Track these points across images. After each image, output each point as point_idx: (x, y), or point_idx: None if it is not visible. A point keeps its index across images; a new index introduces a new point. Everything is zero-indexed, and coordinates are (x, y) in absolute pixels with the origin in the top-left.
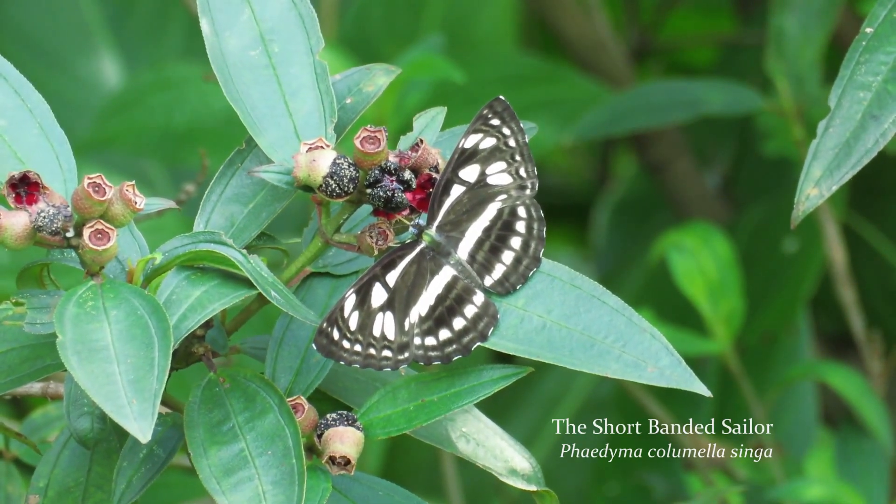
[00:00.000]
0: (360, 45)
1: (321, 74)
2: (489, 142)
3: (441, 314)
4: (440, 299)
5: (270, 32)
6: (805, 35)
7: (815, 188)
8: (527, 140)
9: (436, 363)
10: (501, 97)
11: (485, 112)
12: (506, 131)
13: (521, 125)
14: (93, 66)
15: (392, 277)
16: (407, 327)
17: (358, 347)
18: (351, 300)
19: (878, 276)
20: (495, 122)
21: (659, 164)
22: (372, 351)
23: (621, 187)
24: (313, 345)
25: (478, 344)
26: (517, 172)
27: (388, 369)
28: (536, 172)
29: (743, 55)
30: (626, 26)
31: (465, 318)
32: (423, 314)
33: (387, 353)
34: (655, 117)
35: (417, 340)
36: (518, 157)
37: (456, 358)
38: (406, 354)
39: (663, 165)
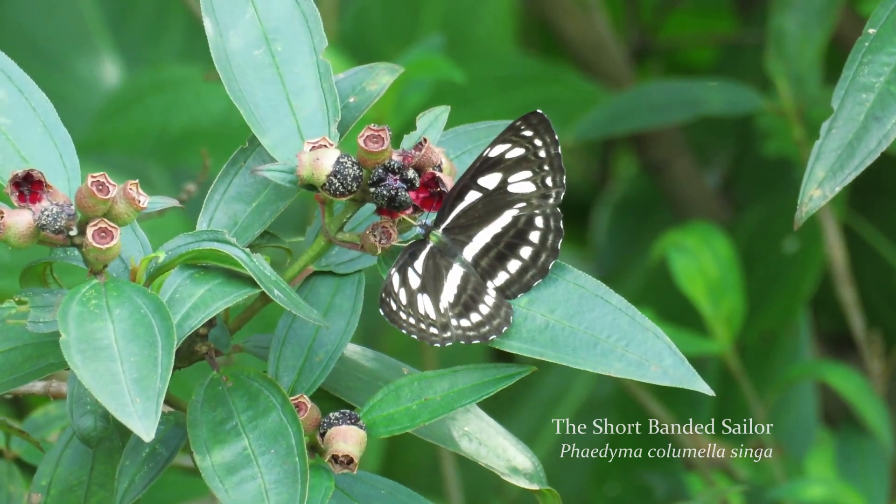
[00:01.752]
0: (358, 45)
1: (324, 73)
2: (517, 151)
3: (466, 301)
4: (461, 289)
5: (274, 32)
6: (805, 35)
7: (819, 189)
8: (560, 152)
9: (475, 342)
10: (539, 111)
11: (518, 123)
12: (538, 142)
13: (556, 138)
14: (92, 66)
15: (419, 266)
16: (442, 311)
17: (412, 320)
18: (396, 278)
19: (878, 276)
20: (527, 133)
21: (659, 164)
22: (423, 325)
23: (621, 187)
24: (380, 311)
25: (506, 328)
26: (543, 181)
27: (437, 345)
28: (565, 182)
29: (743, 55)
30: (626, 26)
31: (487, 305)
32: (451, 301)
33: (434, 329)
34: (655, 117)
35: (454, 322)
36: (546, 167)
37: (492, 338)
38: (448, 333)
39: (663, 165)
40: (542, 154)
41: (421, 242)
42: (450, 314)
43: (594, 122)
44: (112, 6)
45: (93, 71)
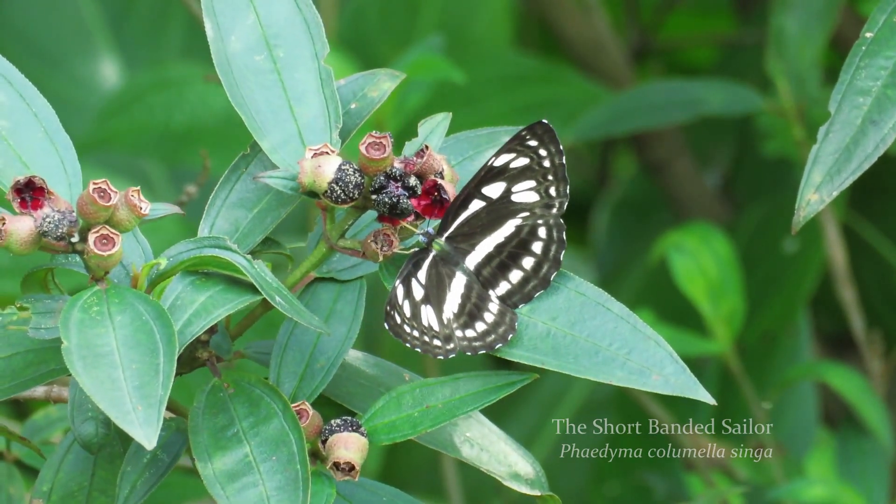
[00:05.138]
0: (356, 45)
1: (326, 80)
2: (521, 161)
3: (471, 310)
4: (465, 298)
5: (275, 37)
6: (805, 35)
7: (816, 193)
8: (564, 162)
9: (481, 352)
10: (545, 121)
11: (523, 133)
12: (542, 152)
13: (561, 148)
14: (92, 66)
15: (422, 276)
16: (445, 322)
17: (416, 333)
18: (400, 290)
19: (878, 276)
20: (532, 143)
21: (659, 164)
22: (426, 338)
23: (621, 187)
24: (385, 324)
25: (511, 335)
26: (546, 191)
27: (441, 357)
28: (568, 192)
29: (743, 55)
30: (626, 26)
31: (492, 312)
32: (455, 311)
33: (437, 342)
34: (655, 117)
35: (459, 333)
36: (550, 177)
37: (498, 346)
38: (452, 345)
39: (663, 165)
40: (547, 164)
41: (424, 251)
42: (454, 325)
43: (594, 122)
44: (112, 6)
45: (93, 71)
